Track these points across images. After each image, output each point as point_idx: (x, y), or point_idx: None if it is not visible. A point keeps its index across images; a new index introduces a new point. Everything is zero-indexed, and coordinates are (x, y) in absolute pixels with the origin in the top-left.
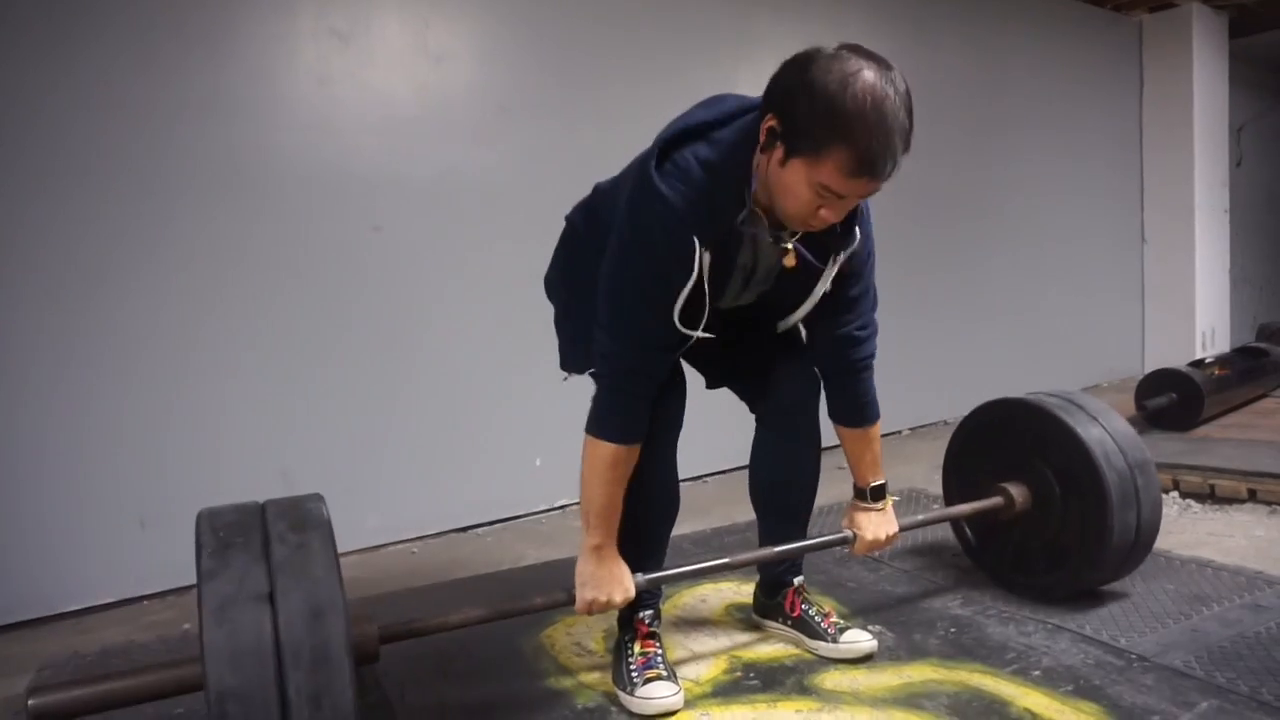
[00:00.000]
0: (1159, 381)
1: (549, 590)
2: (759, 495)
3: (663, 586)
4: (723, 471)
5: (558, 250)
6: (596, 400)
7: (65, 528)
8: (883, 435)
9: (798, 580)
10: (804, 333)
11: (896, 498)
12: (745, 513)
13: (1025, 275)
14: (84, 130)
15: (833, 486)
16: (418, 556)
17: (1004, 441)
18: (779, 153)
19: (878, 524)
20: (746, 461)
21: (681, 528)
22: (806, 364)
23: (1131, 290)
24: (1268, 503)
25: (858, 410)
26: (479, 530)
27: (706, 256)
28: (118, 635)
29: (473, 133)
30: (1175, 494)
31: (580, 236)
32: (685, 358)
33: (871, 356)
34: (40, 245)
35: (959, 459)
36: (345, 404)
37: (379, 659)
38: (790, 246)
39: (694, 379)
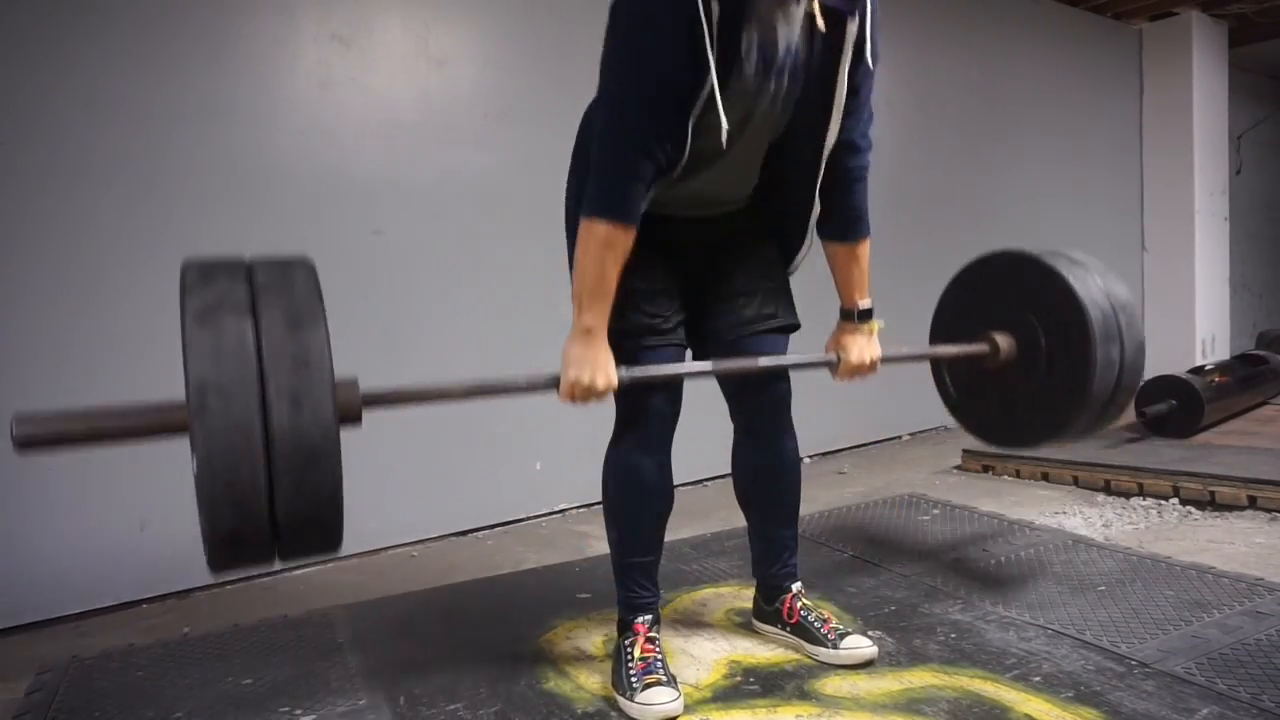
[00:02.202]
0: (1159, 388)
1: (533, 377)
2: (743, 496)
3: (663, 592)
4: (722, 476)
5: (570, 177)
6: (593, 182)
7: (64, 531)
8: (883, 440)
9: (796, 586)
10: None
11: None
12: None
13: None
14: (84, 132)
15: (831, 490)
16: (418, 560)
17: (991, 295)
18: None
19: (862, 347)
20: None
21: (681, 531)
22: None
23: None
24: (1268, 510)
25: (850, 223)
26: (479, 534)
27: (715, 5)
28: (117, 639)
29: (474, 137)
30: (1175, 500)
31: (580, 148)
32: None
33: (866, 168)
34: (40, 246)
35: (946, 317)
36: None
37: (361, 422)
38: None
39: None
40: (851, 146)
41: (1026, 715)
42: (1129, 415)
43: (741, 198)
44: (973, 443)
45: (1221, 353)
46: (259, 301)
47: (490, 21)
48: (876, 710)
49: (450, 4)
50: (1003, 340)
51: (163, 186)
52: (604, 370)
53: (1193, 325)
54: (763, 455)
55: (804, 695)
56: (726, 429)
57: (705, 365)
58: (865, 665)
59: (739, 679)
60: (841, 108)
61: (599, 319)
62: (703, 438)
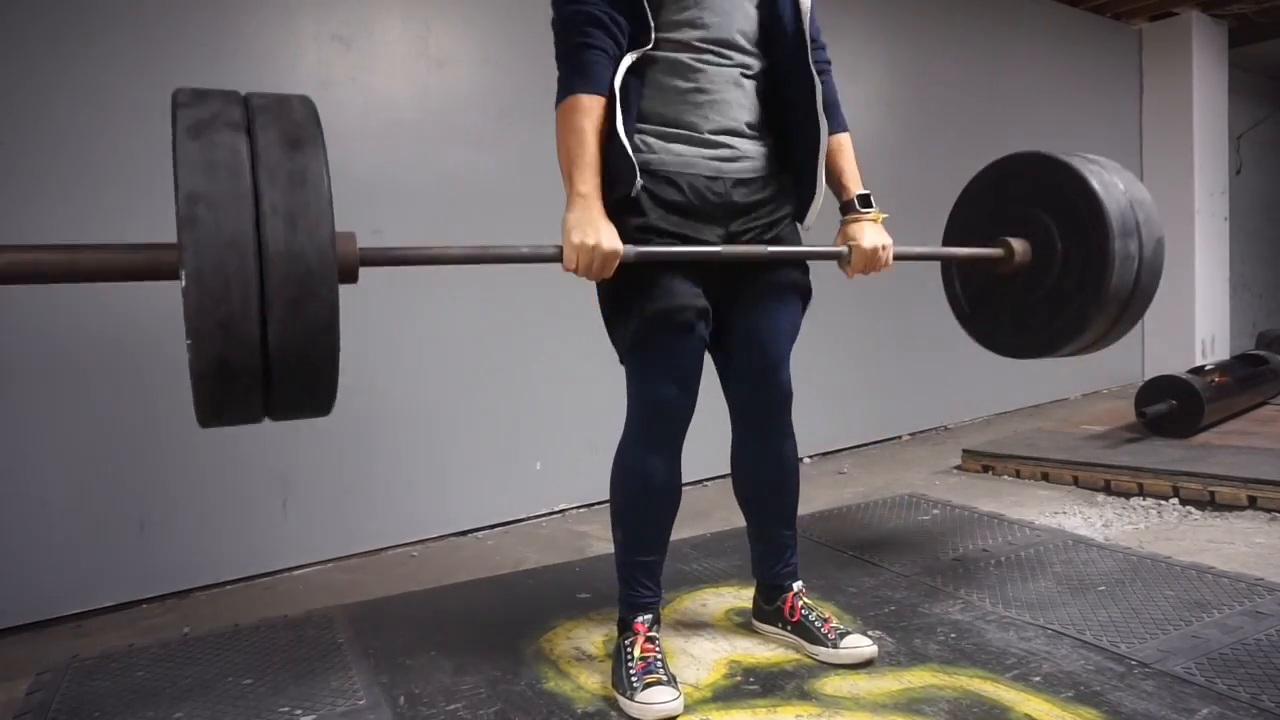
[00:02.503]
0: (1159, 388)
1: (539, 247)
2: (743, 496)
3: (663, 592)
4: (722, 476)
5: None
6: (563, 60)
7: (64, 530)
8: (882, 440)
9: (796, 585)
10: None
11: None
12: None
13: None
14: (84, 132)
15: (830, 491)
16: (418, 560)
17: (1005, 199)
18: None
19: (872, 234)
20: None
21: (681, 531)
22: (783, 371)
23: None
24: (1268, 510)
25: (827, 116)
26: (479, 534)
27: None
28: (117, 639)
29: (473, 137)
30: (1175, 501)
31: None
32: (704, 287)
33: (829, 63)
34: None
35: (959, 225)
36: (345, 406)
37: (357, 279)
38: None
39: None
40: (814, 42)
41: (1026, 715)
42: (1129, 415)
43: (749, 106)
44: (973, 443)
45: (1221, 353)
46: (254, 121)
47: (490, 22)
48: (876, 710)
49: (450, 4)
50: (1018, 244)
51: (163, 187)
52: (605, 233)
53: (1192, 325)
54: (762, 455)
55: (804, 695)
56: (726, 429)
57: (715, 249)
58: (865, 665)
59: (739, 679)
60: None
61: (591, 185)
62: (703, 438)
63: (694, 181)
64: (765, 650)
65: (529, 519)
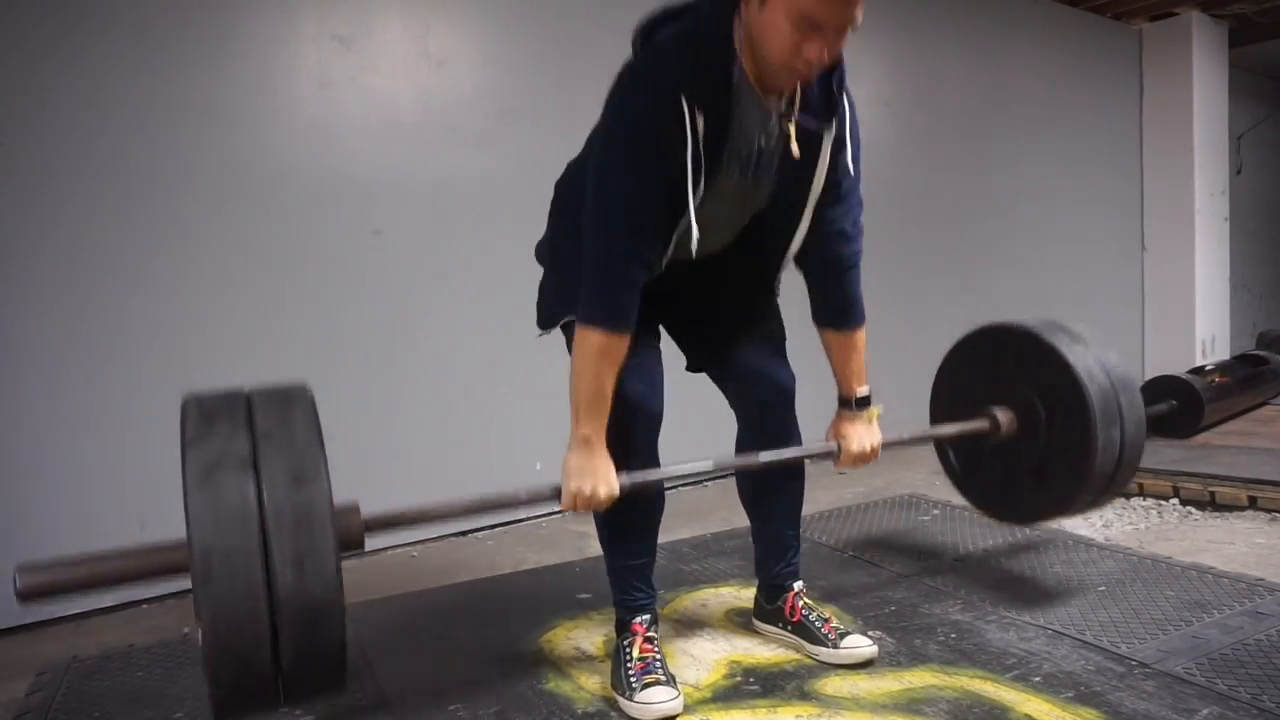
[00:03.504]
0: (1159, 388)
1: (535, 487)
2: (747, 495)
3: (663, 592)
4: (722, 476)
5: (549, 219)
6: (589, 288)
7: (65, 529)
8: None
9: (797, 585)
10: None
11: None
12: (744, 517)
13: (1025, 281)
14: (84, 132)
15: (831, 491)
16: (418, 560)
17: (989, 367)
18: None
19: (863, 435)
20: None
21: (680, 532)
22: (782, 361)
23: (1131, 297)
24: (1268, 510)
25: (843, 311)
26: (479, 534)
27: (700, 119)
28: (117, 639)
29: (473, 137)
30: (1175, 501)
31: (561, 201)
32: (666, 325)
33: (858, 254)
34: (41, 247)
35: (945, 388)
36: (346, 406)
37: (364, 548)
38: (794, 118)
39: (691, 386)
40: (841, 235)
41: (1026, 715)
42: None
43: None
44: None
45: (1222, 353)
46: (260, 454)
47: (490, 22)
48: (876, 710)
49: (450, 4)
50: (1003, 415)
51: (163, 186)
52: (605, 480)
53: (1193, 325)
54: (766, 472)
55: (804, 695)
56: (728, 429)
57: (705, 464)
58: (865, 665)
59: (739, 679)
60: (815, 200)
61: (597, 428)
62: (704, 437)
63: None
64: (765, 650)
65: (529, 519)
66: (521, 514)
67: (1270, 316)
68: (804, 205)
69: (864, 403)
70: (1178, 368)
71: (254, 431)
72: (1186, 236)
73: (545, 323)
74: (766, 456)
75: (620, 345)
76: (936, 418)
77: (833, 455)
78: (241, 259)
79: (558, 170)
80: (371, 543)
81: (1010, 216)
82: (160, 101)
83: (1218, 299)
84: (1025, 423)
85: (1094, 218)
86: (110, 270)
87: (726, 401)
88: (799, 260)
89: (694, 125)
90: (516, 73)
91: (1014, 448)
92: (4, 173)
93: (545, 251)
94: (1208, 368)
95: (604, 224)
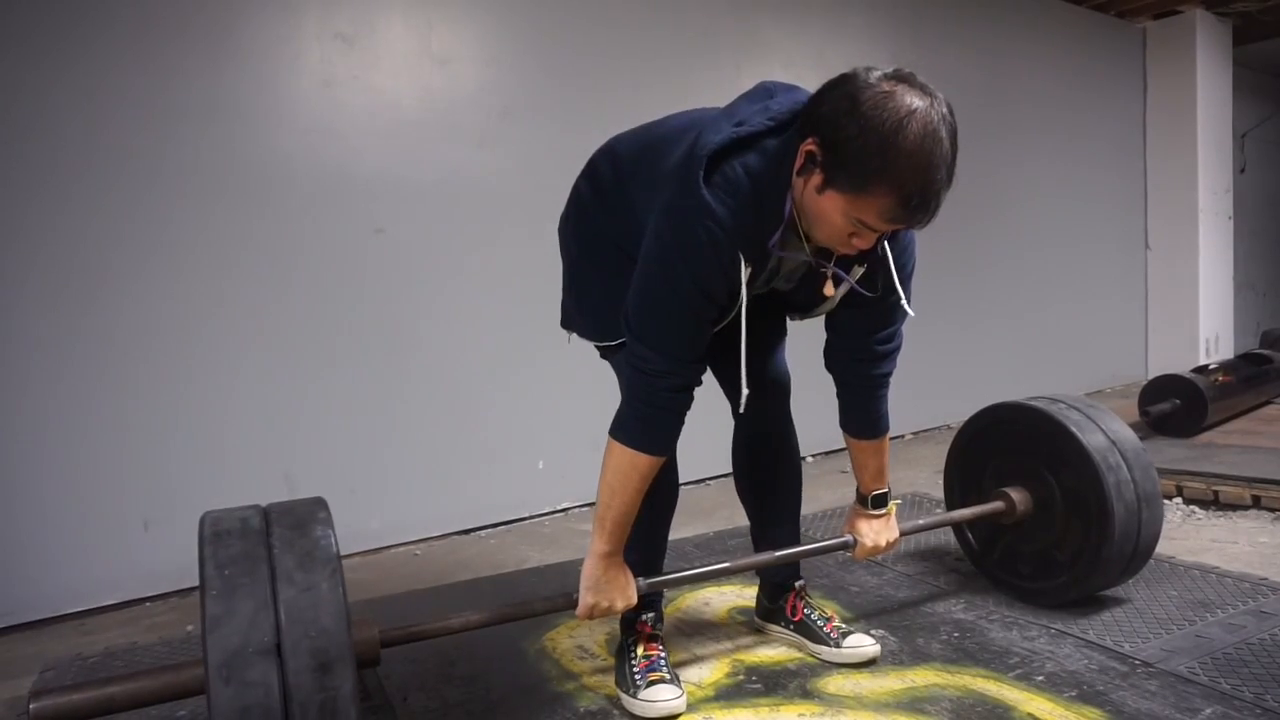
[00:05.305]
0: (1162, 387)
1: (551, 595)
2: (746, 497)
3: (664, 591)
4: (724, 475)
5: (568, 209)
6: (629, 405)
7: (69, 529)
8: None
9: (799, 583)
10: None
11: (899, 501)
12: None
13: (1029, 280)
14: (85, 131)
15: (833, 490)
16: (421, 558)
17: (1005, 445)
18: (816, 179)
19: (878, 530)
20: None
21: (684, 530)
22: (780, 362)
23: (1135, 296)
24: (1271, 509)
25: (869, 425)
26: (482, 532)
27: (747, 270)
28: (121, 637)
29: (476, 135)
30: (1179, 500)
31: (586, 202)
32: None
33: (890, 374)
34: (42, 246)
35: (960, 463)
36: (348, 406)
37: (379, 663)
38: (829, 274)
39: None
40: (873, 355)
41: (1029, 714)
42: (1133, 414)
43: None
44: None
45: (1225, 352)
46: (284, 635)
47: (493, 20)
48: (879, 709)
49: (453, 2)
50: (1018, 496)
51: (164, 185)
52: (623, 593)
53: (1196, 324)
54: (763, 451)
55: (807, 694)
56: (728, 427)
57: (723, 564)
58: (868, 664)
59: (742, 677)
60: (830, 308)
61: (618, 545)
62: (704, 436)
63: None
64: (768, 649)
65: (531, 517)
66: (524, 514)
67: (1274, 315)
68: (824, 301)
69: (880, 500)
70: (1181, 366)
71: (277, 604)
72: (1190, 235)
73: (571, 326)
74: (780, 555)
75: (655, 466)
76: (951, 492)
77: (848, 548)
78: (243, 257)
79: (560, 169)
80: (373, 543)
81: (1013, 215)
82: (162, 100)
83: (1221, 297)
84: (1040, 504)
85: (1097, 216)
86: (110, 269)
87: (724, 396)
88: (828, 363)
89: (744, 275)
90: (519, 71)
91: (1029, 528)
92: (4, 172)
93: (569, 244)
94: (1211, 366)
95: (652, 347)
